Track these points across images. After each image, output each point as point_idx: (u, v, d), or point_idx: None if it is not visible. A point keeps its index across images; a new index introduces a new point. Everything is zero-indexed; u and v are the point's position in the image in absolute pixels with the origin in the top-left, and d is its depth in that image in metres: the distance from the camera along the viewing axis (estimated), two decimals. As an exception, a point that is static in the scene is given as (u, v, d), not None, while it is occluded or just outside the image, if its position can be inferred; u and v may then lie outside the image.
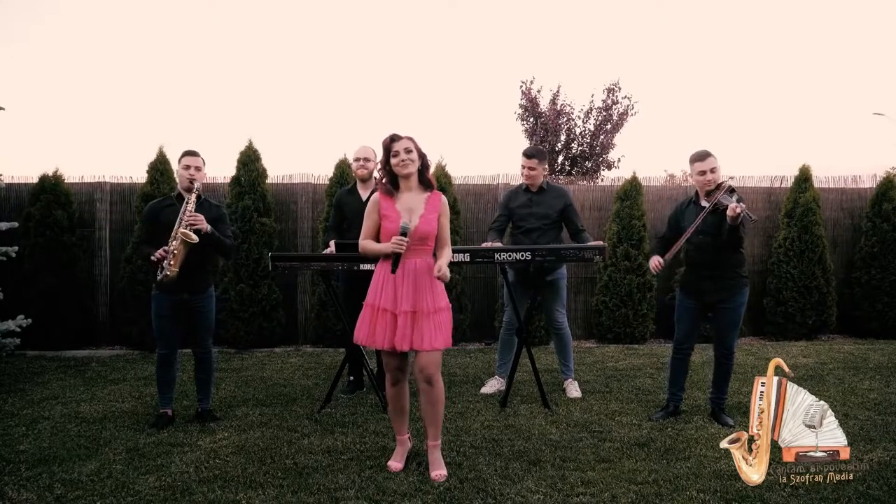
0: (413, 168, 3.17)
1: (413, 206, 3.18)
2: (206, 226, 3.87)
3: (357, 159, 4.77)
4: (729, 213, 3.71)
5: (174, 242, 3.81)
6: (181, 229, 3.81)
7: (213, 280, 4.20)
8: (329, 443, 3.67)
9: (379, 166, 3.26)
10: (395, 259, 3.09)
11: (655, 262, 4.11)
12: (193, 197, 3.92)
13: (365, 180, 4.79)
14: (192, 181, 3.97)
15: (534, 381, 4.55)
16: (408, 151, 3.15)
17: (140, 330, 6.50)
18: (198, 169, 4.03)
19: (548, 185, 4.88)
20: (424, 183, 3.23)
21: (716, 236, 3.92)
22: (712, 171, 3.96)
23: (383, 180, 3.23)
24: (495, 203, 7.19)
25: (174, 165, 6.83)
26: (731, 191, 3.90)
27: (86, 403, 4.55)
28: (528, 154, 4.79)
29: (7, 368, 5.70)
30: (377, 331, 3.16)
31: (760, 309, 7.39)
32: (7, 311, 5.74)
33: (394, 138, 3.17)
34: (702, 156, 4.00)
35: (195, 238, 3.81)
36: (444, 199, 3.26)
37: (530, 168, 4.75)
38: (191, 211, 3.87)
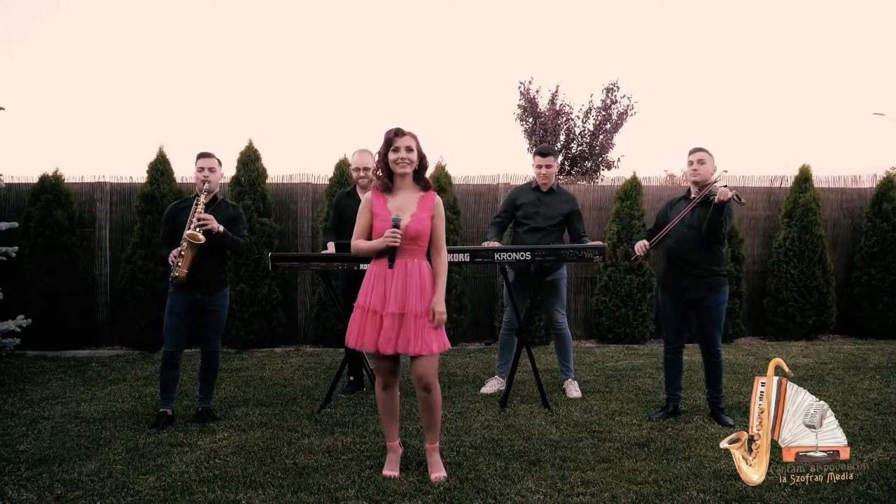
0: (410, 169, 3.12)
1: (405, 206, 3.12)
2: (215, 225, 3.88)
3: (356, 169, 4.75)
4: (720, 195, 3.81)
5: (182, 244, 3.84)
6: (187, 231, 3.84)
7: (227, 282, 4.20)
8: (329, 443, 3.67)
9: (377, 157, 3.19)
10: (390, 254, 3.05)
11: (641, 244, 4.16)
12: (202, 198, 3.95)
13: (366, 188, 4.79)
14: (205, 182, 4.00)
15: (534, 381, 4.55)
16: (409, 150, 3.10)
17: (140, 330, 6.50)
18: (212, 170, 4.06)
19: (558, 188, 4.90)
20: (420, 182, 3.18)
21: (698, 230, 3.99)
22: (699, 162, 4.06)
23: (379, 173, 3.17)
24: (495, 203, 7.19)
25: (174, 165, 6.89)
26: (723, 186, 3.98)
27: (86, 403, 4.55)
28: (543, 153, 4.81)
29: (7, 368, 5.69)
30: (366, 333, 3.09)
31: (760, 309, 7.39)
32: (7, 311, 5.75)
33: (398, 132, 3.10)
34: (693, 149, 4.15)
35: (201, 238, 3.81)
36: (438, 199, 3.19)
37: (547, 166, 4.77)
38: (199, 212, 3.89)
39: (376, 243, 3.09)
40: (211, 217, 3.89)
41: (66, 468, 3.31)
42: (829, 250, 7.35)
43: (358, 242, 3.18)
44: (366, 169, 4.73)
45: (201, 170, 4.05)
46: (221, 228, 3.91)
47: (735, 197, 3.88)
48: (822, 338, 7.32)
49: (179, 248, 3.85)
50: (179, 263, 3.84)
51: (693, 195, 4.10)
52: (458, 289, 6.87)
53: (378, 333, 3.07)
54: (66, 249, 6.66)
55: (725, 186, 3.96)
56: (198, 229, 3.82)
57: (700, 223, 3.99)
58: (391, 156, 3.10)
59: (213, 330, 4.12)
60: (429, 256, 3.21)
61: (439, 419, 3.26)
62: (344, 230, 4.78)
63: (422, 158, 3.17)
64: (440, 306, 3.09)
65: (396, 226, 3.03)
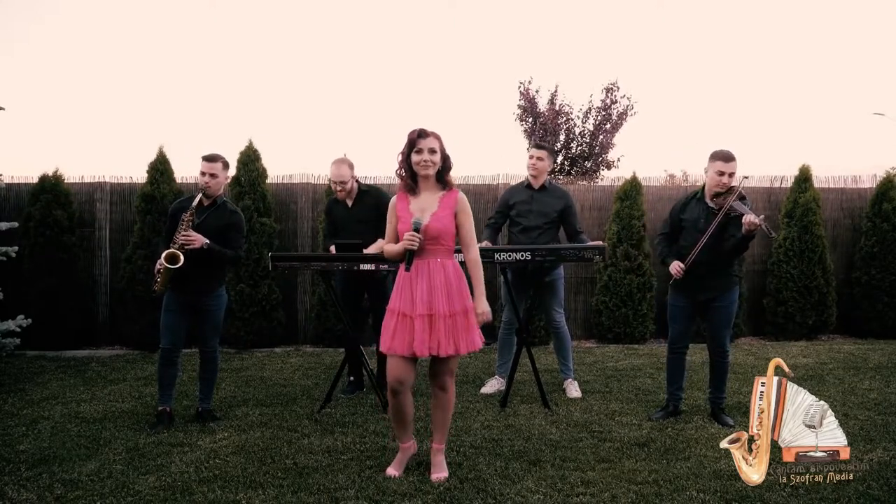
0: (433, 170, 3.11)
1: (427, 206, 3.12)
2: (199, 244, 3.84)
3: (334, 183, 4.72)
4: (747, 224, 3.63)
5: (161, 261, 3.82)
6: (168, 250, 3.81)
7: (224, 281, 4.18)
8: (329, 443, 3.67)
9: (399, 157, 3.16)
10: (407, 257, 3.06)
11: (677, 267, 3.98)
12: (188, 216, 3.88)
13: (344, 199, 4.79)
14: (205, 188, 3.96)
15: (534, 381, 4.55)
16: (432, 152, 3.09)
17: (140, 330, 6.50)
18: (213, 176, 3.98)
19: (550, 185, 4.91)
20: (442, 182, 3.17)
21: (717, 239, 3.91)
22: (731, 175, 3.89)
23: (402, 173, 3.16)
24: (495, 203, 7.18)
25: (174, 165, 6.87)
26: (742, 197, 3.85)
27: (86, 403, 4.55)
28: (537, 145, 4.90)
29: (7, 368, 5.69)
30: (395, 336, 3.07)
31: (760, 309, 7.39)
32: (7, 311, 5.74)
33: (421, 133, 3.09)
34: (727, 156, 3.90)
35: (179, 261, 3.79)
36: (461, 196, 3.17)
37: (538, 158, 4.80)
38: (185, 228, 3.85)
39: (397, 246, 3.11)
40: (195, 237, 3.84)
41: (66, 468, 3.31)
42: (829, 250, 7.35)
43: (387, 247, 3.21)
44: (342, 183, 4.68)
45: (203, 174, 3.98)
46: (206, 244, 3.86)
47: (766, 228, 3.63)
48: (822, 338, 7.32)
49: (158, 265, 3.83)
50: (158, 279, 3.85)
51: (708, 199, 3.98)
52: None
53: (411, 336, 3.05)
54: (66, 249, 6.66)
55: (744, 199, 3.78)
56: (182, 247, 3.80)
57: (716, 232, 3.87)
58: (414, 157, 3.09)
59: (208, 329, 4.11)
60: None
61: (449, 420, 3.27)
62: (338, 235, 4.79)
63: (445, 160, 3.16)
64: (482, 306, 3.11)
65: (416, 229, 3.04)
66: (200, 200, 3.98)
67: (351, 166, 4.74)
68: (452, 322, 3.06)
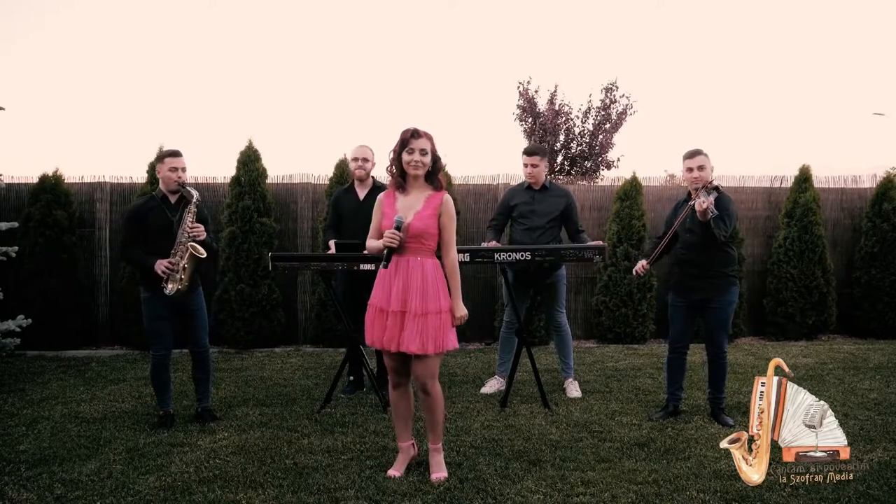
0: (422, 171, 3.14)
1: (413, 204, 3.15)
2: (204, 236, 3.90)
3: (355, 159, 4.79)
4: (696, 207, 3.74)
5: (184, 256, 3.81)
6: (190, 243, 3.81)
7: (199, 279, 4.16)
8: (329, 443, 3.67)
9: (391, 155, 3.20)
10: (386, 254, 3.11)
11: (640, 265, 4.18)
12: (193, 207, 3.91)
13: (362, 180, 4.80)
14: (180, 185, 3.97)
15: (534, 381, 4.55)
16: (423, 153, 3.11)
17: (140, 330, 6.46)
18: (184, 170, 4.06)
19: (550, 184, 4.91)
20: (432, 182, 3.19)
21: (702, 236, 3.95)
22: (699, 168, 3.99)
23: (392, 170, 3.20)
24: (495, 203, 7.18)
25: (174, 166, 6.86)
26: (715, 188, 3.92)
27: (86, 403, 4.55)
28: (528, 152, 4.85)
29: (7, 368, 5.69)
30: (373, 329, 3.16)
31: (760, 309, 7.39)
32: (7, 311, 5.74)
33: (414, 133, 3.12)
34: (691, 154, 4.06)
35: (203, 252, 3.81)
36: (446, 198, 3.17)
37: (532, 165, 4.78)
38: (191, 222, 3.86)
39: (379, 243, 3.14)
40: (202, 227, 3.88)
41: (66, 468, 3.31)
42: (829, 250, 7.35)
43: (370, 242, 3.26)
44: (364, 160, 4.75)
45: (174, 170, 4.00)
46: (207, 237, 3.93)
47: (711, 210, 3.72)
48: (822, 338, 7.32)
49: (182, 262, 3.80)
50: (183, 276, 3.82)
51: (691, 199, 4.07)
52: (458, 289, 6.86)
53: (383, 331, 3.12)
54: (66, 249, 6.66)
55: (715, 190, 3.87)
56: (194, 239, 3.82)
57: (699, 228, 3.93)
58: (405, 157, 3.12)
59: (198, 328, 4.11)
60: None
61: (440, 421, 3.27)
62: (342, 227, 4.80)
63: (436, 161, 3.18)
64: (459, 310, 3.17)
65: (398, 227, 3.06)
66: (168, 198, 4.03)
67: (372, 154, 4.81)
68: (424, 321, 3.07)
